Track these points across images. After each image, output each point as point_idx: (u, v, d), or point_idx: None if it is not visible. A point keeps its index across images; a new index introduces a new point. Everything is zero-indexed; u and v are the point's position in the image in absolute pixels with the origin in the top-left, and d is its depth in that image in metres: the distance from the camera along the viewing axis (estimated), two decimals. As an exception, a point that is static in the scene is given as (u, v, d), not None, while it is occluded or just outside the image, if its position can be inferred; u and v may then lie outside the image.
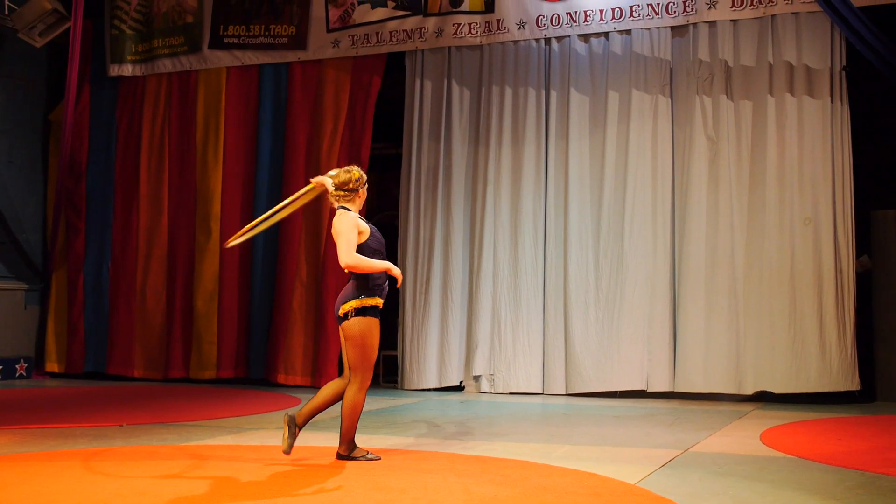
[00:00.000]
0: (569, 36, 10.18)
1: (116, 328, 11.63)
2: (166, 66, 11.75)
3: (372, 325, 5.72)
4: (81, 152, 11.96)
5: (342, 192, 5.87)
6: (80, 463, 5.85)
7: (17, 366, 11.66)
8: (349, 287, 5.77)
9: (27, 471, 5.54)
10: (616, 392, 9.71)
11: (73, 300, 11.81)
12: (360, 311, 5.68)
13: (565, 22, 10.14)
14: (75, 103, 11.53)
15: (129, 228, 11.74)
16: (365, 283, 5.72)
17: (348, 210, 5.84)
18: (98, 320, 11.74)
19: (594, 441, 6.88)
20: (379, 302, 5.76)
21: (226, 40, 11.45)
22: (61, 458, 5.99)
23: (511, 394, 9.98)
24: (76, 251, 11.87)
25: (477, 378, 10.18)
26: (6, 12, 11.21)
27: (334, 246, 10.63)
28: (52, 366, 11.82)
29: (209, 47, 11.52)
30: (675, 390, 9.55)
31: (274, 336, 10.85)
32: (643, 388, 9.62)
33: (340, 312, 5.72)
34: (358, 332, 5.68)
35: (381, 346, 11.04)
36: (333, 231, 5.80)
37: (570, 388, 9.84)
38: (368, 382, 5.79)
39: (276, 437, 6.94)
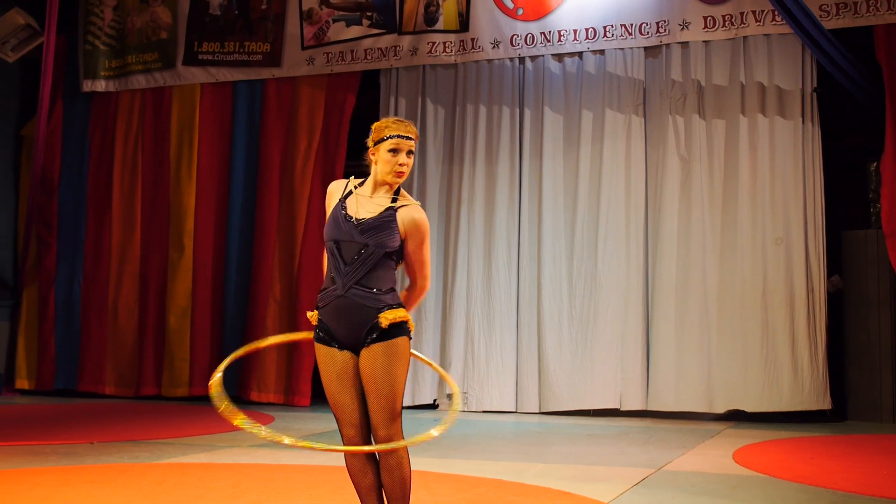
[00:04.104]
0: (543, 55, 10.23)
1: (88, 345, 11.52)
2: (140, 81, 11.70)
3: None
4: (54, 168, 11.88)
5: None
6: (51, 481, 5.79)
7: (-14, 382, 11.52)
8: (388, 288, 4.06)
9: (-4, 489, 5.47)
10: (589, 410, 9.72)
11: (44, 316, 11.69)
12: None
13: (539, 41, 10.20)
14: (48, 119, 11.45)
15: (102, 244, 11.65)
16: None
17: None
18: (69, 337, 11.63)
19: (568, 460, 6.89)
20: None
21: (200, 56, 11.43)
22: (31, 476, 5.93)
23: (484, 412, 9.97)
24: (47, 267, 11.77)
25: (450, 396, 10.17)
26: (-22, 27, 11.14)
27: (310, 262, 10.72)
28: (23, 382, 11.67)
29: (183, 63, 11.49)
30: (648, 409, 9.57)
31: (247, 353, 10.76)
32: (616, 406, 9.64)
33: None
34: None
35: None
36: (419, 232, 4.07)
37: (544, 407, 9.84)
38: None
39: (248, 455, 6.91)
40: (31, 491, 5.46)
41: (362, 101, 10.87)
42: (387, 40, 10.67)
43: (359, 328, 3.94)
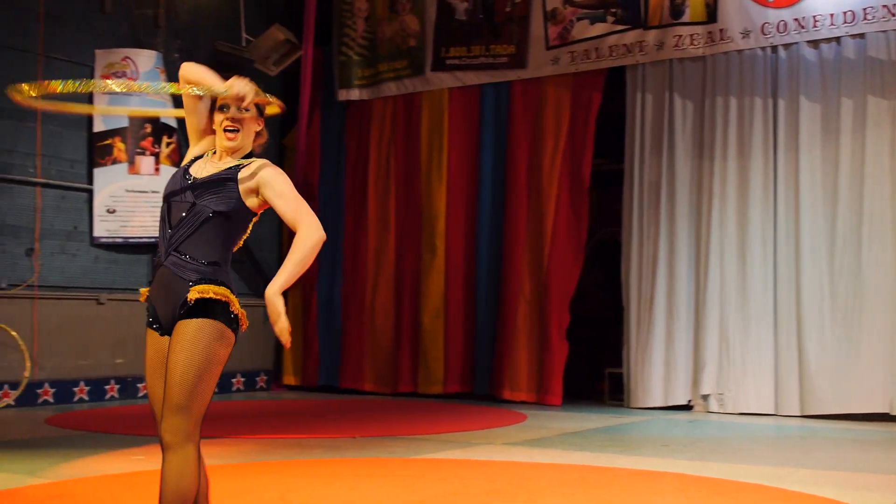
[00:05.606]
0: (797, 43, 9.79)
1: (348, 343, 12.03)
2: (391, 89, 12.10)
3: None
4: (313, 175, 12.47)
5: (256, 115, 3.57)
6: (319, 473, 6.09)
7: (257, 378, 12.29)
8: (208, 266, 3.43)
9: (268, 478, 5.81)
10: (856, 414, 9.21)
11: (307, 317, 12.31)
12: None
13: (793, 28, 9.76)
14: (307, 128, 12.06)
15: (359, 248, 12.12)
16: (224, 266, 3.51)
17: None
18: (330, 336, 12.19)
19: (833, 465, 6.55)
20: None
21: (447, 62, 11.69)
22: (300, 468, 6.26)
23: (741, 414, 9.65)
24: (310, 270, 12.35)
25: (705, 397, 9.90)
26: (244, 44, 11.88)
27: (559, 262, 10.74)
28: (290, 379, 12.35)
29: (431, 69, 11.77)
30: (923, 413, 8.97)
31: (498, 352, 10.93)
32: (887, 410, 9.07)
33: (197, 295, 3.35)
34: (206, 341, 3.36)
35: (608, 363, 11.09)
36: (273, 177, 3.51)
37: (805, 410, 9.41)
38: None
39: (503, 453, 7.00)
40: (300, 481, 5.76)
41: (608, 98, 10.78)
42: (632, 36, 10.52)
43: (174, 305, 3.36)
